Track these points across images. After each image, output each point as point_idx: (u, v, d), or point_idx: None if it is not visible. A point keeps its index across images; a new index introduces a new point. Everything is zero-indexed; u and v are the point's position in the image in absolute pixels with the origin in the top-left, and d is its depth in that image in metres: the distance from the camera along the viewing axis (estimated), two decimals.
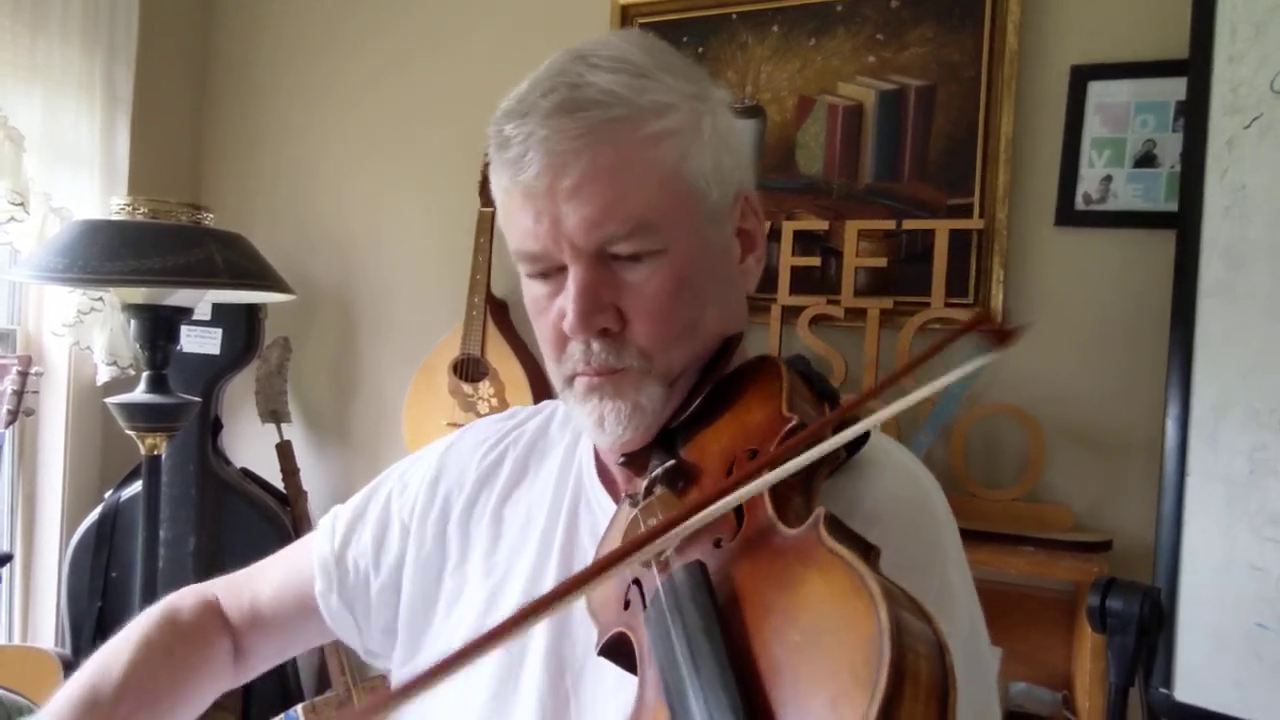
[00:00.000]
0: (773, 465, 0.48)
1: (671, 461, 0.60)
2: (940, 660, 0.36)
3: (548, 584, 0.71)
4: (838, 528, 0.43)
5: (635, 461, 0.65)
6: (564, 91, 0.61)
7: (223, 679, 0.81)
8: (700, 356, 0.66)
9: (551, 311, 0.65)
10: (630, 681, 0.50)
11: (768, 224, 1.88)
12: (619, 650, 0.52)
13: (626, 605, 0.52)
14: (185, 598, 0.84)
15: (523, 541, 0.75)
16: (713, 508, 0.48)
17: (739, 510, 0.50)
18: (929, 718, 0.34)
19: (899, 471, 0.65)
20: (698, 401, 0.64)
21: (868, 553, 0.42)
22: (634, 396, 0.64)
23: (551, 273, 0.64)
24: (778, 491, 0.49)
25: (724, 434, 0.61)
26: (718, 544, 0.49)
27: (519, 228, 0.63)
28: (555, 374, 0.68)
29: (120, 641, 0.78)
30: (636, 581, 0.52)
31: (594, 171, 0.60)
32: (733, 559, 0.48)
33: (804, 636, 0.39)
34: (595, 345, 0.63)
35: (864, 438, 0.61)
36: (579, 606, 0.64)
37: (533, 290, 0.67)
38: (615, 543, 0.57)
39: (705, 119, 0.65)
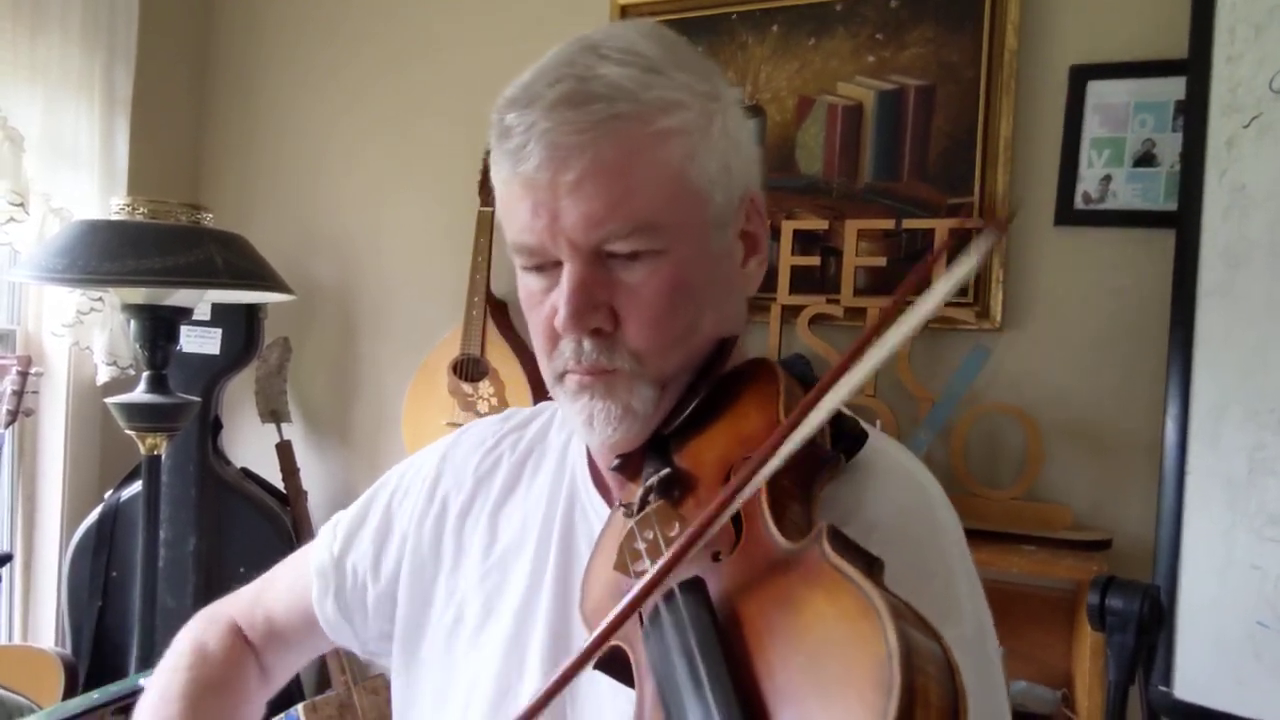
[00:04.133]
0: (763, 463, 0.46)
1: (666, 470, 0.58)
2: (950, 681, 0.35)
3: (544, 591, 0.70)
4: (840, 541, 0.42)
5: (628, 467, 0.64)
6: (570, 83, 0.58)
7: (258, 702, 0.82)
8: (694, 360, 0.64)
9: (545, 307, 0.63)
10: (625, 691, 0.49)
11: (768, 223, 1.88)
12: (615, 663, 0.50)
13: None
14: (210, 629, 0.84)
15: (519, 547, 0.74)
16: (709, 528, 0.46)
17: (737, 522, 0.48)
18: None
19: (898, 474, 0.63)
20: (691, 406, 0.62)
21: (871, 566, 0.41)
22: (625, 399, 0.62)
23: (547, 267, 0.63)
24: (776, 501, 0.48)
25: (719, 441, 0.59)
26: (716, 557, 0.48)
27: (517, 220, 0.62)
28: (547, 370, 0.66)
29: (166, 692, 0.78)
30: None
31: (596, 168, 0.58)
32: (732, 575, 0.46)
33: (809, 659, 0.38)
34: (587, 344, 0.62)
35: (861, 440, 0.60)
36: (576, 620, 0.64)
37: (527, 284, 0.65)
38: (610, 552, 0.56)
39: (716, 119, 0.63)
